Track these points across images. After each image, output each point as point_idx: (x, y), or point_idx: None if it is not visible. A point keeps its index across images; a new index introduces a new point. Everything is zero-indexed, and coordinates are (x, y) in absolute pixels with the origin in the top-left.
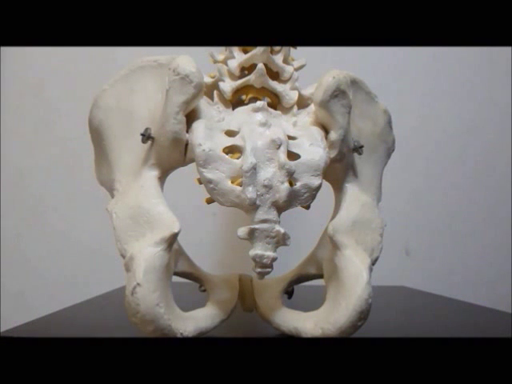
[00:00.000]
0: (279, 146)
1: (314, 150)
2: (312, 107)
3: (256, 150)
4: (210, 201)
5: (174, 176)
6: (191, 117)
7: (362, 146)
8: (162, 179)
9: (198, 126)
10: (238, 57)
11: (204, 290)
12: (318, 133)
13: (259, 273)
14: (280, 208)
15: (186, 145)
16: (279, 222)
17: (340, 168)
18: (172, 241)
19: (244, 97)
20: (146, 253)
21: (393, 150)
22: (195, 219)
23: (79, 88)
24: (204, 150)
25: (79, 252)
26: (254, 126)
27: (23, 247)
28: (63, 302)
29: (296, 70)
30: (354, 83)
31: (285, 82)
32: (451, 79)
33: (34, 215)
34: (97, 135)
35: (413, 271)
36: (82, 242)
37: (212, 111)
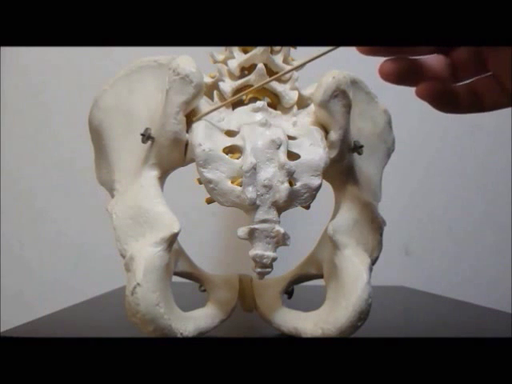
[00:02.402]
0: (279, 146)
1: (313, 149)
2: (312, 107)
3: (256, 150)
4: (210, 201)
5: (173, 176)
6: (191, 117)
7: (361, 146)
8: (161, 179)
9: (198, 126)
10: (237, 57)
11: (204, 290)
12: (318, 133)
13: (259, 273)
14: (280, 208)
15: (186, 145)
16: (279, 222)
17: (340, 168)
18: (172, 241)
19: (244, 97)
20: (146, 253)
21: (393, 150)
22: (195, 219)
23: (79, 89)
24: (204, 150)
25: (79, 252)
26: (254, 126)
27: (23, 247)
28: (63, 302)
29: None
30: (354, 83)
31: (285, 82)
32: None
33: (33, 216)
34: (97, 135)
35: (413, 271)
36: (82, 241)
37: None
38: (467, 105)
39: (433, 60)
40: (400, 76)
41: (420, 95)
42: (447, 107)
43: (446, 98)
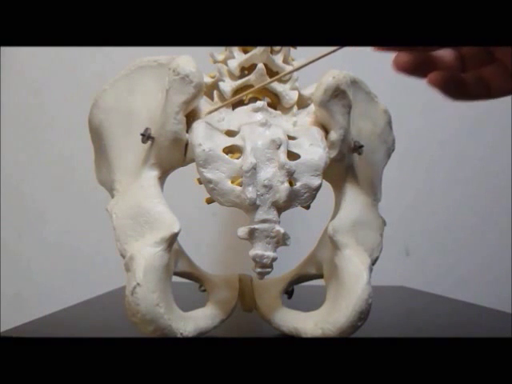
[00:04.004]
0: (279, 146)
1: (314, 150)
2: (312, 107)
3: (256, 150)
4: (210, 201)
5: (174, 176)
6: (191, 117)
7: (361, 146)
8: (161, 179)
9: (198, 126)
10: (238, 57)
11: (204, 290)
12: (317, 133)
13: (259, 273)
14: (280, 208)
15: (186, 145)
16: (279, 222)
17: (340, 168)
18: (172, 241)
19: (244, 97)
20: (146, 253)
21: (393, 150)
22: (195, 219)
23: (78, 89)
24: (204, 150)
25: (79, 252)
26: (254, 125)
27: (22, 248)
28: (63, 302)
29: None
30: (354, 83)
31: (285, 82)
32: None
33: (32, 216)
34: (97, 135)
35: (413, 271)
36: (82, 241)
37: None
38: (475, 92)
39: (442, 52)
40: (413, 68)
41: (431, 83)
42: (456, 95)
43: (455, 86)
